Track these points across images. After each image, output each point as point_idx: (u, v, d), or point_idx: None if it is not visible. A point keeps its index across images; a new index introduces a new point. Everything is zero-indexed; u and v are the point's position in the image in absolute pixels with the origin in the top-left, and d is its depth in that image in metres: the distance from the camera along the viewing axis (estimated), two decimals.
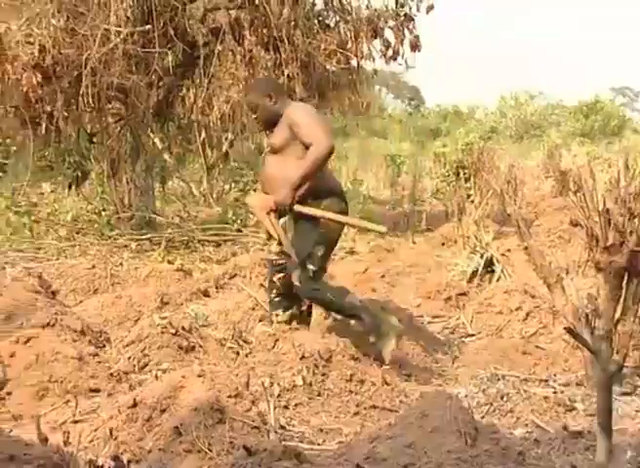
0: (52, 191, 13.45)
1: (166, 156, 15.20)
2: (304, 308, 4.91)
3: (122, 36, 9.03)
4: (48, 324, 5.57)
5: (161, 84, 11.01)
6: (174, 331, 5.05)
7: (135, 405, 3.24)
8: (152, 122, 11.84)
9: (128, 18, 9.02)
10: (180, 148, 15.21)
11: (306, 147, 4.42)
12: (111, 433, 3.04)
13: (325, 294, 4.70)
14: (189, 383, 3.39)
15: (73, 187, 12.75)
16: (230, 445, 2.86)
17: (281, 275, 4.78)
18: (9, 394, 3.93)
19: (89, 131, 12.19)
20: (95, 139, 12.28)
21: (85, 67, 9.12)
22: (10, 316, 6.02)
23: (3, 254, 9.37)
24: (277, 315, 4.83)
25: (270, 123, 4.69)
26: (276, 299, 4.90)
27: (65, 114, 10.08)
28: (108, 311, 6.33)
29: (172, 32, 9.91)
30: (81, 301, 7.19)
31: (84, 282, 7.86)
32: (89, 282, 7.87)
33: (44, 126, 10.00)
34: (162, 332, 5.07)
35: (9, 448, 2.36)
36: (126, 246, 10.24)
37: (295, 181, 4.43)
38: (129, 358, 4.84)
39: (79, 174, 12.87)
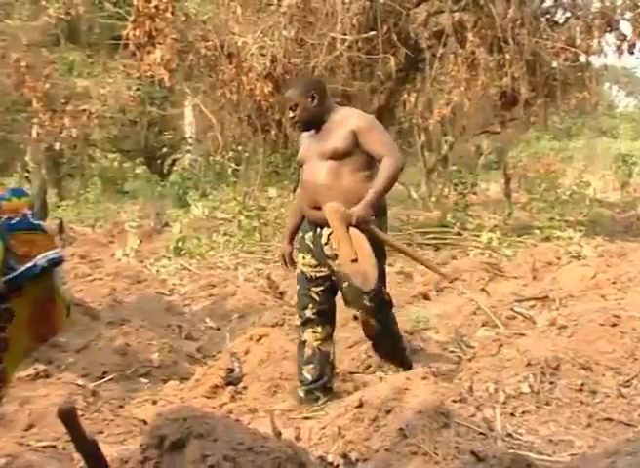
0: (278, 195, 14.04)
1: None
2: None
3: (347, 43, 9.27)
4: (277, 323, 5.84)
5: (383, 89, 11.17)
6: None
7: (361, 405, 3.30)
8: None
9: (353, 25, 9.25)
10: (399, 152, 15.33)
11: (370, 158, 4.03)
12: (339, 431, 3.12)
13: (395, 327, 4.28)
14: (413, 386, 3.39)
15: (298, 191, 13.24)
16: (456, 450, 2.83)
17: (320, 289, 4.28)
18: (245, 388, 4.16)
19: None
20: None
21: (312, 75, 9.45)
22: (243, 315, 6.39)
23: (235, 256, 9.93)
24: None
25: (309, 124, 4.21)
26: (312, 316, 4.33)
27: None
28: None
29: (395, 37, 10.03)
30: None
31: None
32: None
33: (273, 133, 10.47)
34: None
35: (248, 440, 2.49)
36: None
37: (372, 198, 3.92)
38: (352, 358, 4.94)
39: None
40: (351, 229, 3.92)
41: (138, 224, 12.88)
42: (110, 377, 4.37)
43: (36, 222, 2.39)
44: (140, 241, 10.95)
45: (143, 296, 7.27)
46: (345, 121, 4.05)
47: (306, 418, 3.75)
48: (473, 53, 9.87)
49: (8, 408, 3.24)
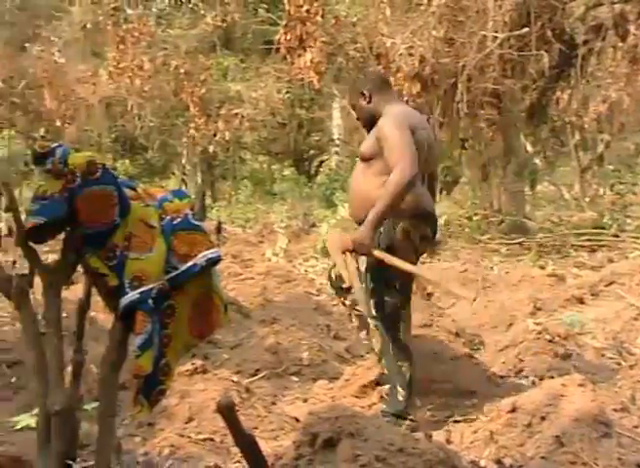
0: None
1: (537, 159, 14.96)
2: None
3: (498, 41, 9.09)
4: (425, 324, 5.78)
5: (535, 87, 10.86)
6: (549, 337, 4.93)
7: (514, 410, 3.21)
8: (524, 126, 11.73)
9: (505, 22, 9.06)
10: (551, 151, 14.87)
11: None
12: (492, 436, 3.05)
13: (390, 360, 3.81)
14: (570, 392, 3.26)
15: (444, 192, 13.12)
16: (619, 461, 2.71)
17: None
18: None
19: (461, 136, 12.45)
20: (466, 145, 12.51)
21: (461, 74, 9.34)
22: None
23: None
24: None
25: (368, 123, 3.94)
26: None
27: (441, 121, 10.41)
28: (481, 314, 6.38)
29: (549, 33, 9.72)
30: (453, 304, 7.32)
31: (456, 285, 8.00)
32: (461, 285, 7.98)
33: None
34: (537, 338, 4.98)
35: (399, 441, 2.49)
36: (496, 250, 10.26)
37: (373, 219, 3.57)
38: (503, 362, 4.83)
39: (450, 179, 13.23)
40: (347, 255, 3.70)
41: (286, 225, 13.15)
42: (262, 375, 4.47)
43: (196, 223, 2.49)
44: (289, 241, 11.16)
45: (293, 296, 7.39)
46: (379, 123, 3.77)
47: (456, 421, 3.70)
48: (635, 46, 9.39)
49: (170, 401, 3.38)
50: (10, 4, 14.80)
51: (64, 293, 2.41)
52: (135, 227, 2.36)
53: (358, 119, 4.10)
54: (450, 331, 5.15)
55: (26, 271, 2.38)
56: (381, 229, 3.65)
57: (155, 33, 13.97)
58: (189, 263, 2.39)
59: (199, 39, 14.41)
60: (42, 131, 16.17)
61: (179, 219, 2.45)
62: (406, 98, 9.20)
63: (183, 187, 18.19)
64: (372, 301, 3.73)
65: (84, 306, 2.48)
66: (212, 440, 3.16)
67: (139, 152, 23.27)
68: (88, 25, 14.05)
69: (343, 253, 3.71)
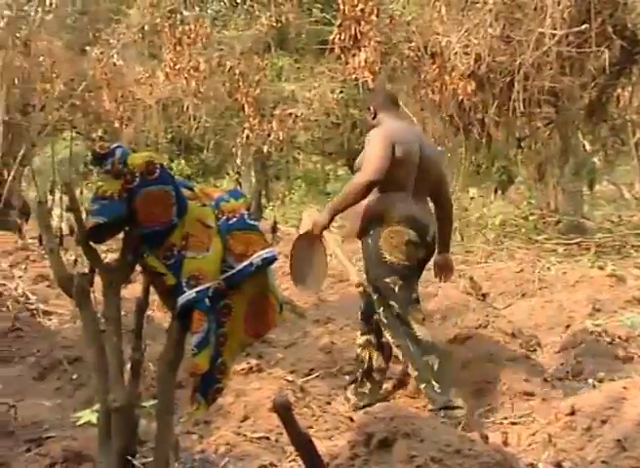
0: (480, 196, 13.79)
1: (595, 158, 14.70)
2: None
3: (557, 38, 8.95)
4: (480, 325, 5.72)
5: (594, 84, 10.66)
6: (609, 339, 4.85)
7: (573, 412, 3.16)
8: (583, 124, 11.53)
9: (564, 19, 8.91)
10: (611, 150, 14.59)
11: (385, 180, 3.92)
12: (550, 439, 3.01)
13: (405, 346, 3.90)
14: (631, 395, 3.19)
15: (499, 192, 12.98)
16: None
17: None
18: None
19: (517, 135, 12.30)
20: (523, 144, 12.35)
21: (517, 73, 9.22)
22: (445, 316, 6.34)
23: None
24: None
25: None
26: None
27: (496, 120, 10.30)
28: (538, 315, 6.28)
29: (610, 29, 9.52)
30: (509, 304, 7.24)
31: (512, 285, 7.91)
32: (517, 285, 7.89)
33: (476, 133, 10.32)
34: (596, 340, 4.90)
35: (455, 442, 2.47)
36: (553, 250, 10.11)
37: (330, 207, 4.03)
38: (561, 364, 4.76)
39: (506, 178, 13.07)
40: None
41: (339, 225, 13.15)
42: (317, 374, 4.49)
43: (252, 223, 2.50)
44: (342, 241, 11.16)
45: (346, 296, 7.40)
46: (368, 137, 4.07)
47: (513, 423, 3.65)
48: None
49: (226, 399, 3.41)
50: (71, 8, 15.11)
51: (122, 292, 2.45)
52: (192, 227, 2.38)
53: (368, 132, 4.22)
54: (506, 331, 5.10)
55: (87, 270, 2.42)
56: (370, 236, 3.99)
57: (211, 34, 14.10)
58: (245, 263, 2.40)
59: (254, 40, 14.50)
60: (100, 132, 16.47)
61: (235, 219, 2.45)
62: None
63: (238, 187, 18.33)
64: (380, 311, 3.95)
65: (142, 305, 2.51)
66: (267, 438, 3.18)
67: (194, 152, 23.54)
68: (145, 28, 14.26)
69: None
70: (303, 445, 1.91)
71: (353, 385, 4.19)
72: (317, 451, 1.93)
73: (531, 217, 11.62)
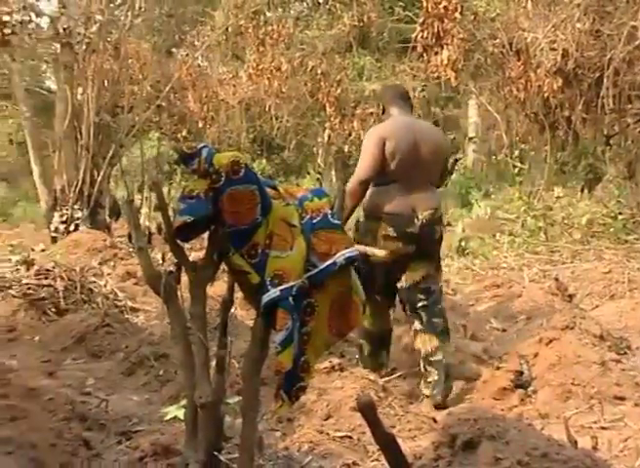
0: (565, 195, 13.47)
1: None
2: None
3: None
4: (567, 326, 5.58)
5: None
6: None
7: None
8: None
9: None
10: None
11: (382, 175, 4.27)
12: None
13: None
14: None
15: (586, 190, 12.65)
16: None
17: None
18: (535, 392, 4.04)
19: (605, 132, 11.97)
20: (611, 141, 12.01)
21: (607, 68, 8.96)
22: (530, 317, 6.22)
23: (520, 256, 9.70)
24: None
25: None
26: None
27: (584, 117, 10.05)
28: (628, 317, 6.11)
29: None
30: (597, 306, 7.06)
31: (600, 286, 7.70)
32: (605, 286, 7.67)
33: (562, 130, 10.09)
34: None
35: (542, 446, 2.41)
36: None
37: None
38: None
39: (592, 176, 12.73)
40: None
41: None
42: (399, 374, 4.47)
43: (336, 222, 2.50)
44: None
45: None
46: None
47: (603, 428, 3.54)
48: None
49: (308, 397, 3.43)
50: (159, 12, 15.46)
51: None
52: (276, 226, 2.40)
53: None
54: (594, 333, 4.96)
55: (174, 268, 2.47)
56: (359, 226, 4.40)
57: (293, 35, 14.21)
58: (329, 262, 2.41)
59: (336, 39, 14.54)
60: (185, 132, 16.79)
61: (318, 218, 2.47)
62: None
63: (318, 186, 18.41)
64: None
65: (228, 303, 2.54)
66: (350, 437, 3.18)
67: (275, 152, 23.76)
68: (229, 29, 14.48)
69: None
70: (388, 444, 1.90)
71: (422, 380, 4.27)
72: (402, 451, 1.92)
73: (620, 217, 11.24)
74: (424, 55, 10.46)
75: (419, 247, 4.37)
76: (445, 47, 9.67)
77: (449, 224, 13.19)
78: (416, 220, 4.30)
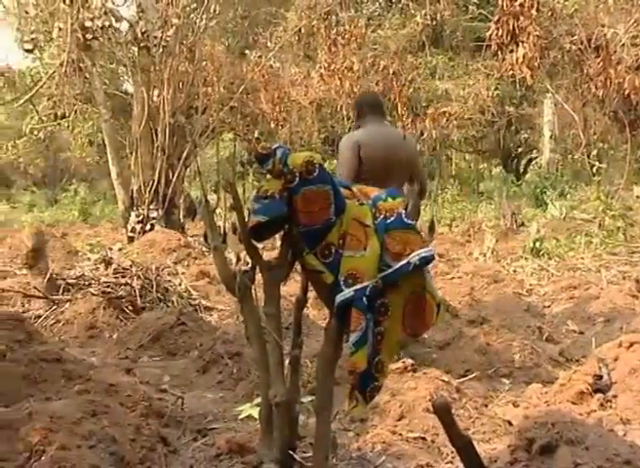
0: None
1: None
2: None
3: None
4: None
5: None
6: None
7: None
8: None
9: None
10: None
11: (360, 171, 4.60)
12: None
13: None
14: None
15: None
16: None
17: None
18: (615, 397, 3.92)
19: None
20: None
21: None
22: (609, 319, 6.06)
23: (598, 257, 9.47)
24: None
25: None
26: None
27: None
28: None
29: None
30: None
31: None
32: None
33: None
34: None
35: (624, 452, 2.35)
36: None
37: None
38: None
39: None
40: None
41: (494, 224, 12.90)
42: (473, 375, 4.41)
43: (410, 222, 2.48)
44: (497, 240, 10.95)
45: (502, 296, 7.24)
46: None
47: None
48: None
49: (381, 398, 3.42)
50: (233, 14, 15.64)
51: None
52: (349, 226, 2.40)
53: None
54: None
55: (249, 267, 2.49)
56: None
57: (365, 35, 14.19)
58: (403, 262, 2.39)
59: (408, 39, 14.46)
60: (257, 133, 16.96)
61: (392, 218, 2.45)
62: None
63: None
64: None
65: (302, 302, 2.55)
66: (423, 438, 3.15)
67: None
68: (302, 30, 14.54)
69: None
70: (464, 447, 1.88)
71: None
72: (478, 454, 1.90)
73: None
74: (499, 53, 10.28)
75: None
76: (520, 44, 9.48)
77: (523, 225, 13.00)
78: None
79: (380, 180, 4.47)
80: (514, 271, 9.08)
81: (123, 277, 6.80)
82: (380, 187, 4.40)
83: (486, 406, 3.79)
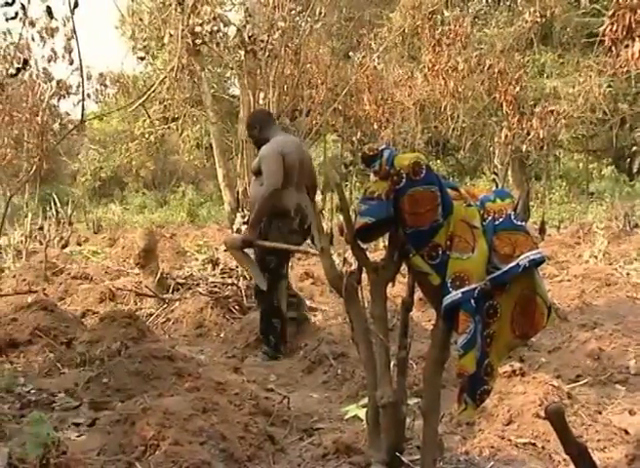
0: None
1: None
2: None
3: None
4: None
5: None
6: None
7: None
8: None
9: None
10: None
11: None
12: None
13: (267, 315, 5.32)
14: None
15: None
16: None
17: None
18: None
19: None
20: None
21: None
22: None
23: None
24: None
25: (258, 146, 5.42)
26: None
27: None
28: None
29: None
30: None
31: None
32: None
33: None
34: None
35: None
36: None
37: (252, 221, 5.20)
38: None
39: None
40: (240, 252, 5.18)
41: (605, 225, 12.49)
42: (584, 381, 4.27)
43: (519, 223, 2.43)
44: (609, 242, 10.61)
45: (614, 300, 7.02)
46: (262, 148, 5.26)
47: None
48: None
49: (489, 401, 3.35)
50: (337, 16, 15.72)
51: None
52: (457, 227, 2.37)
53: (254, 144, 5.71)
54: None
55: (355, 269, 2.49)
56: (261, 226, 5.17)
57: (470, 33, 13.99)
58: (512, 264, 2.34)
59: (515, 36, 14.17)
60: (359, 134, 16.98)
61: (500, 219, 2.41)
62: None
63: (494, 187, 18.02)
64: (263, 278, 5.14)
65: (408, 304, 2.54)
66: (533, 444, 3.07)
67: (450, 153, 23.51)
68: (406, 30, 14.47)
69: (240, 249, 5.18)
70: (579, 455, 1.82)
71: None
72: (594, 463, 1.83)
73: None
74: (613, 49, 9.91)
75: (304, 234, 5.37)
76: (637, 39, 9.09)
77: (636, 226, 12.54)
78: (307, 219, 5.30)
79: (297, 185, 5.28)
80: (628, 274, 8.76)
81: (229, 277, 6.95)
82: (296, 191, 5.22)
83: (600, 413, 3.66)
